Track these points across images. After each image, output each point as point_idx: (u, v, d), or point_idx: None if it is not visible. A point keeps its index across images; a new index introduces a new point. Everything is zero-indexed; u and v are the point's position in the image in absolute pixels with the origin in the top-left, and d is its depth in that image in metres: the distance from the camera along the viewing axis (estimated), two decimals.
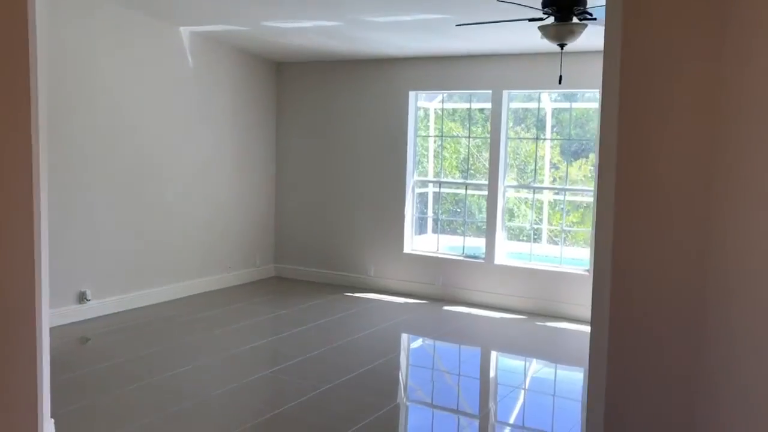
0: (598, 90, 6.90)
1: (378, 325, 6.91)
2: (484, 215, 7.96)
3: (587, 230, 7.93)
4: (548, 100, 7.97)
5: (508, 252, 7.99)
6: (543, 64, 7.21)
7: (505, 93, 7.62)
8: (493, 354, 6.41)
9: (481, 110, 8.53)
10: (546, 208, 8.48)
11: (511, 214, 8.46)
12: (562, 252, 7.74)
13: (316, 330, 6.66)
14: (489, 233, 7.80)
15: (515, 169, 8.43)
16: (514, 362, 6.21)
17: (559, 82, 5.16)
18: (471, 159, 8.54)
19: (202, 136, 7.88)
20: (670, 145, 2.75)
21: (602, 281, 2.90)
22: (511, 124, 7.96)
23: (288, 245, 9.07)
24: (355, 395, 4.95)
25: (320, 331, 6.61)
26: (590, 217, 7.86)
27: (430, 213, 8.68)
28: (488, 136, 7.85)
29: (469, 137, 8.49)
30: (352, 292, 8.28)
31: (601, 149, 2.89)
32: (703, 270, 2.71)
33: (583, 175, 11.34)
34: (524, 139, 8.47)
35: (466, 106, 8.48)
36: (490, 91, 7.69)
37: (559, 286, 7.37)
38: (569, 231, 8.15)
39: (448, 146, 8.87)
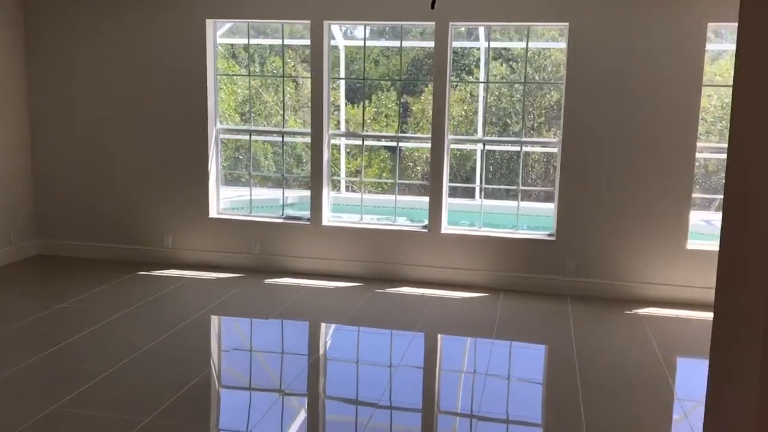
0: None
1: (194, 313, 5.54)
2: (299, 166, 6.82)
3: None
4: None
5: (333, 210, 6.97)
6: None
7: (327, 25, 6.45)
8: (366, 332, 5.43)
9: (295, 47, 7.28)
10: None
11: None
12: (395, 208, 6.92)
13: (109, 330, 5.12)
14: (315, 189, 6.69)
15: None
16: (375, 337, 5.29)
17: (432, 7, 4.16)
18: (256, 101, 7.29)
19: None
20: None
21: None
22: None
23: (54, 214, 7.14)
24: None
25: (118, 331, 5.10)
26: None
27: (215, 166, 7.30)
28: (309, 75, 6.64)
29: (249, 76, 7.19)
30: (148, 270, 6.71)
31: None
32: None
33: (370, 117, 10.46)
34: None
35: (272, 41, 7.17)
36: (309, 22, 6.47)
37: (397, 247, 6.55)
38: (407, 183, 7.30)
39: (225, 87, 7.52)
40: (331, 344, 5.33)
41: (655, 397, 4.34)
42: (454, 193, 13.75)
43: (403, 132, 15.42)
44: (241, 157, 13.79)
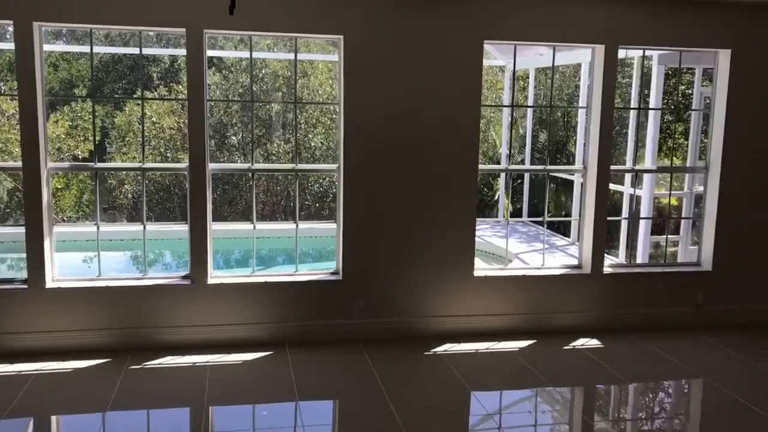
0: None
1: None
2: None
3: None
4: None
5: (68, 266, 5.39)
6: None
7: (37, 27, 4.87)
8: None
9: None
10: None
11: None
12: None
13: None
14: (32, 240, 5.05)
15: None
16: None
17: (231, 12, 3.13)
18: None
19: None
20: None
21: None
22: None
23: None
24: None
25: None
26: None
27: None
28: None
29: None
30: None
31: None
32: None
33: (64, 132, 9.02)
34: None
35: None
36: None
37: (152, 306, 5.25)
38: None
39: None
40: None
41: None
42: (222, 216, 12.26)
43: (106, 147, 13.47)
44: None
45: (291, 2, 5.15)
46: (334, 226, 5.77)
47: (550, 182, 7.24)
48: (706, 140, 6.27)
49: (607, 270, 5.96)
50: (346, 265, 5.52)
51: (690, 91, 11.38)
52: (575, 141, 12.85)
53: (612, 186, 6.28)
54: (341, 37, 5.26)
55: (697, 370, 5.17)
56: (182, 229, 5.30)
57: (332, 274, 5.63)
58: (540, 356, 5.35)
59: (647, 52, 6.83)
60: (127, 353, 5.11)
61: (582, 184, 6.04)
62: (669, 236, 9.32)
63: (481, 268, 5.94)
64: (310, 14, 5.19)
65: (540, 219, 8.07)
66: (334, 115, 12.42)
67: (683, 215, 8.38)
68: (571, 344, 5.62)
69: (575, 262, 6.12)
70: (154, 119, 12.44)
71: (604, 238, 5.90)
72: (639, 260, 7.73)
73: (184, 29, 5.03)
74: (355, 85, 5.31)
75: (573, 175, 8.82)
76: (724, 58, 5.83)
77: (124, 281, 5.31)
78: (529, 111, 11.39)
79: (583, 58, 9.07)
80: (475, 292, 5.71)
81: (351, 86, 5.30)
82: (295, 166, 5.75)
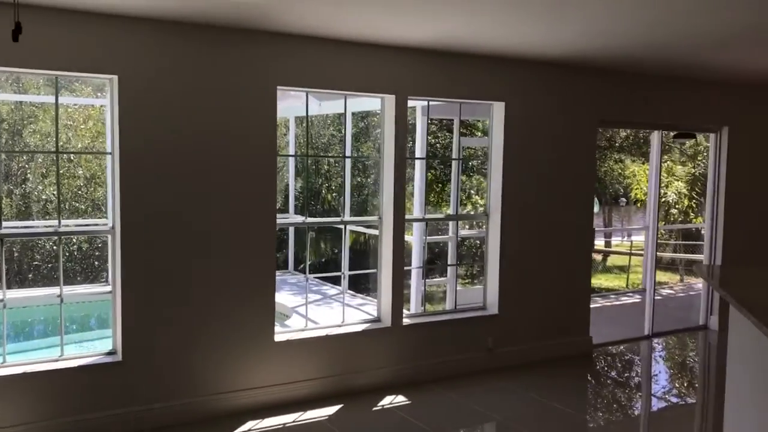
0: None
1: None
2: None
3: None
4: None
5: None
6: None
7: None
8: None
9: None
10: None
11: None
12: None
13: None
14: None
15: None
16: None
17: (14, 39, 2.36)
18: None
19: None
20: None
21: None
22: None
23: None
24: None
25: None
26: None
27: None
28: None
29: None
30: None
31: None
32: None
33: None
34: None
35: None
36: None
37: None
38: None
39: None
40: None
41: None
42: None
43: None
44: None
45: (58, 38, 4.29)
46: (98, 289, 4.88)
47: (308, 230, 7.02)
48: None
49: (405, 321, 5.84)
50: (126, 342, 4.66)
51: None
52: (329, 188, 12.96)
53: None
54: (114, 77, 4.51)
55: (504, 417, 5.20)
56: None
57: (108, 354, 4.72)
58: (351, 423, 4.99)
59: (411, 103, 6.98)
60: None
61: (378, 235, 5.87)
62: (436, 279, 9.69)
63: (282, 331, 5.45)
64: (78, 50, 4.37)
65: (339, 273, 7.80)
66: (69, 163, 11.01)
67: (449, 261, 8.68)
68: (380, 404, 5.35)
69: (375, 315, 5.91)
70: None
71: (402, 290, 5.79)
72: (412, 309, 7.78)
73: None
74: (130, 133, 4.56)
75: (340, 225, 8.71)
76: (498, 110, 6.13)
77: None
78: (291, 160, 11.16)
79: (348, 107, 9.11)
80: (277, 358, 5.19)
81: (127, 134, 4.55)
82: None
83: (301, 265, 12.04)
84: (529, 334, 6.41)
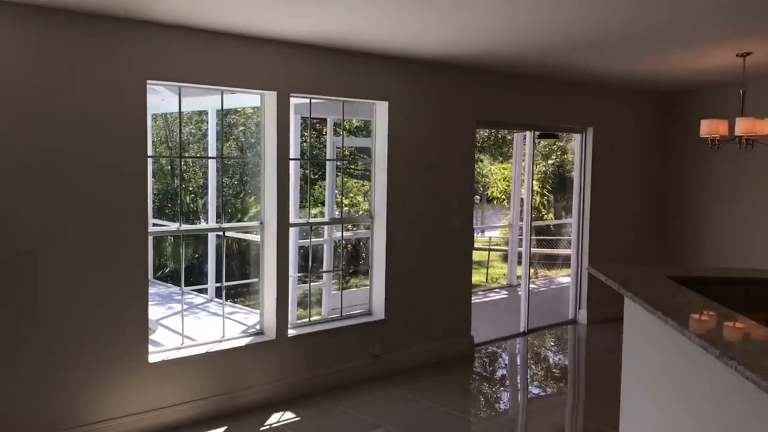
0: None
1: None
2: None
3: None
4: None
5: None
6: None
7: None
8: None
9: None
10: None
11: None
12: None
13: None
14: None
15: None
16: None
17: None
18: None
19: None
20: None
21: None
22: None
23: None
24: None
25: None
26: None
27: None
28: None
29: None
30: None
31: None
32: None
33: None
34: None
35: None
36: None
37: None
38: None
39: None
40: None
41: None
42: None
43: None
44: None
45: None
46: None
47: (183, 238, 6.53)
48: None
49: (291, 332, 5.50)
50: None
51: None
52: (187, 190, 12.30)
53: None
54: None
55: (393, 426, 5.01)
56: None
57: None
58: None
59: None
60: None
61: (260, 242, 5.48)
62: (314, 284, 9.34)
63: (157, 350, 4.93)
64: None
65: (219, 285, 7.27)
66: None
67: (324, 266, 8.39)
68: (267, 423, 4.99)
69: (252, 325, 5.53)
70: None
71: (287, 299, 5.45)
72: (290, 316, 7.45)
73: None
74: None
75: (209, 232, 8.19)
76: (382, 110, 5.95)
77: None
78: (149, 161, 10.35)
79: (209, 104, 8.55)
80: (152, 382, 4.68)
81: None
82: None
83: (159, 272, 11.29)
84: (415, 337, 6.29)
